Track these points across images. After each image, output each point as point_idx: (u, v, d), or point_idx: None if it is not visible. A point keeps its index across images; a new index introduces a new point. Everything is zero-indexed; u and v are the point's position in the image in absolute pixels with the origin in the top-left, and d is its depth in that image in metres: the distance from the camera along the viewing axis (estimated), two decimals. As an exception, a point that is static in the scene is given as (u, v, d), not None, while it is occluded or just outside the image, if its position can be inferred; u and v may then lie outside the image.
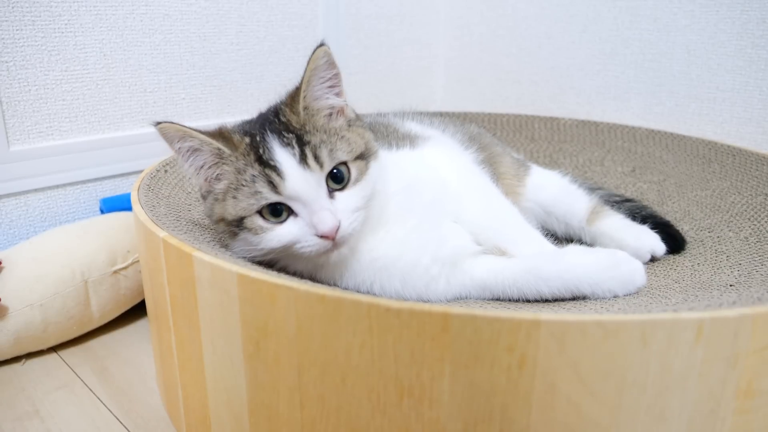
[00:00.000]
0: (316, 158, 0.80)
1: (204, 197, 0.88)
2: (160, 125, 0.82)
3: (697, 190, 1.28)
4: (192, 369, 0.83)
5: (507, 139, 1.62)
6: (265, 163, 0.80)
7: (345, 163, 0.83)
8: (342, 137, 0.84)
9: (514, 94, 1.94)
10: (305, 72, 0.82)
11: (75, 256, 1.19)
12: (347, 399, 0.67)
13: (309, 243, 0.81)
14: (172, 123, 0.82)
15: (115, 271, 1.22)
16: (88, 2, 1.34)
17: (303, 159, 0.80)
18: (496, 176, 1.12)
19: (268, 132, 0.82)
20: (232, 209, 0.82)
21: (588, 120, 1.60)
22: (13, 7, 1.25)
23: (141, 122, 1.48)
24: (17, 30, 1.26)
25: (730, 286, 0.90)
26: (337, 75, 0.85)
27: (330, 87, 0.85)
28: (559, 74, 1.82)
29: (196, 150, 0.83)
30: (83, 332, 1.22)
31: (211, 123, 1.58)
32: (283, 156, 0.80)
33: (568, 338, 0.59)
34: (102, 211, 1.40)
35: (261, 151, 0.81)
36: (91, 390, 1.07)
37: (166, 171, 1.13)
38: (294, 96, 0.85)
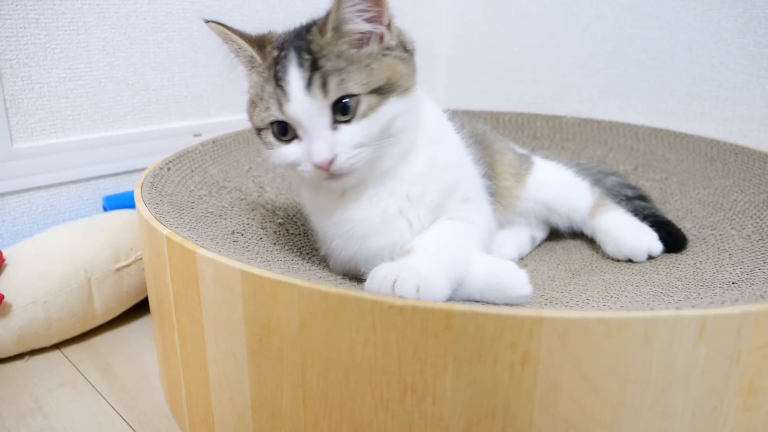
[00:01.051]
0: (324, 85, 0.78)
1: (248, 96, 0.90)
2: (209, 23, 0.85)
3: (699, 188, 1.28)
4: (195, 366, 0.83)
5: (509, 138, 1.62)
6: (278, 80, 0.80)
7: (356, 96, 0.79)
8: (365, 66, 0.80)
9: (516, 92, 1.94)
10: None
11: (78, 253, 1.19)
12: (350, 396, 0.67)
13: (305, 168, 0.82)
14: (218, 24, 0.85)
15: (118, 269, 1.23)
16: (91, 0, 1.34)
17: (309, 84, 0.78)
18: (493, 176, 1.11)
19: (291, 49, 0.81)
20: (255, 117, 0.85)
21: (590, 118, 1.60)
22: (16, 5, 1.25)
23: (144, 120, 1.49)
24: (21, 28, 1.27)
25: (733, 283, 0.90)
26: (374, 1, 0.81)
27: (362, 11, 0.81)
28: (561, 72, 1.81)
29: (235, 52, 0.86)
30: (86, 329, 1.23)
31: (214, 121, 1.59)
32: (294, 77, 0.79)
33: (571, 335, 0.59)
34: (105, 209, 1.40)
35: (278, 67, 0.81)
36: (94, 387, 1.07)
37: (169, 169, 1.13)
38: (327, 14, 0.81)
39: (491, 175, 1.10)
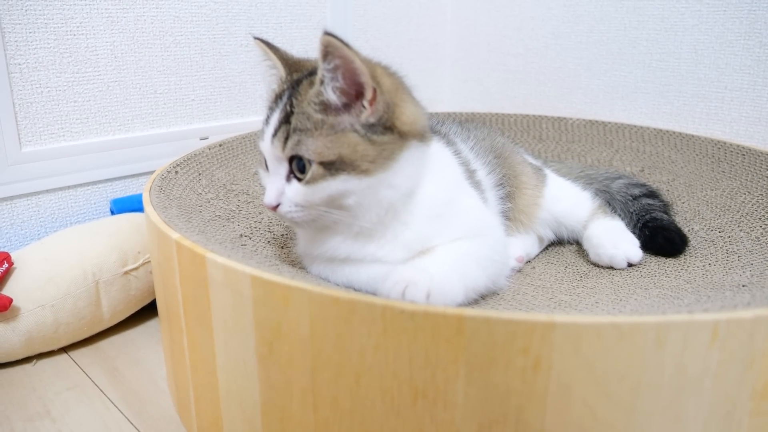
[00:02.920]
0: (285, 140, 0.81)
1: None
2: (254, 41, 0.91)
3: (706, 190, 1.28)
4: (204, 370, 0.83)
5: (515, 140, 1.62)
6: (268, 114, 0.86)
7: (309, 160, 0.80)
8: (325, 136, 0.79)
9: (522, 94, 1.94)
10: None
11: (86, 256, 1.19)
12: (361, 401, 0.67)
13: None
14: (262, 41, 0.91)
15: (126, 272, 1.23)
16: (99, 5, 1.35)
17: (275, 134, 0.82)
18: (517, 188, 1.13)
19: (287, 91, 0.85)
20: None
21: (596, 120, 1.59)
22: (26, 11, 1.26)
23: (151, 124, 1.49)
24: (30, 33, 1.27)
25: (743, 286, 0.89)
26: (341, 71, 0.78)
27: (332, 80, 0.79)
28: (566, 74, 1.81)
29: (271, 68, 0.92)
30: (94, 333, 1.23)
31: (221, 124, 1.59)
32: (273, 120, 0.84)
33: (583, 340, 0.59)
34: (112, 212, 1.41)
35: (273, 105, 0.86)
36: (101, 390, 1.07)
37: (176, 172, 1.13)
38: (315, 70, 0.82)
39: (512, 191, 1.11)
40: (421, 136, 0.87)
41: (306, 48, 1.71)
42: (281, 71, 0.89)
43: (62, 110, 1.35)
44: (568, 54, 1.80)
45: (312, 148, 0.79)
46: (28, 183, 1.33)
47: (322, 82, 0.79)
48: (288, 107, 0.82)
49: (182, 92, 1.52)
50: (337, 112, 0.80)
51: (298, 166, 0.81)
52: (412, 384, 0.64)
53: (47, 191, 1.37)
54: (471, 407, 0.63)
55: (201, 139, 1.56)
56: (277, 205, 0.83)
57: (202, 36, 1.52)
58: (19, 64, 1.27)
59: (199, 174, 1.19)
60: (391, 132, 0.82)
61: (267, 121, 0.85)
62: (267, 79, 0.92)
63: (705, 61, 1.53)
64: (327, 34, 0.75)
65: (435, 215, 0.88)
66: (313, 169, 0.80)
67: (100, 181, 1.44)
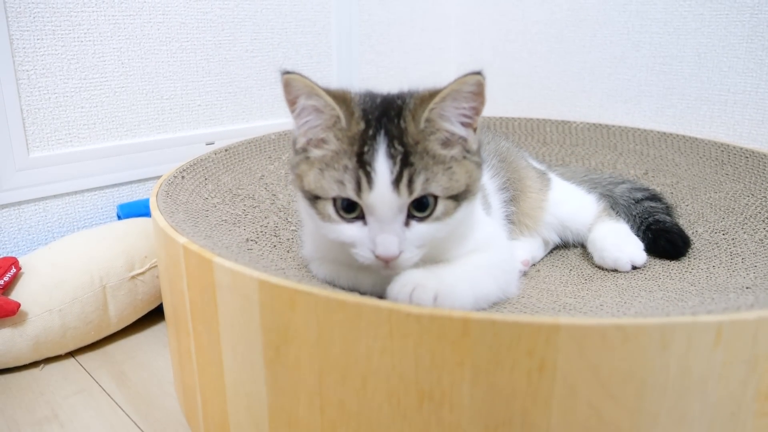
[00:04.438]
0: (410, 183, 0.75)
1: (295, 151, 0.84)
2: (289, 76, 0.77)
3: (710, 193, 1.28)
4: (211, 374, 0.84)
5: (519, 143, 1.62)
6: (363, 162, 0.75)
7: (435, 197, 0.77)
8: (448, 168, 0.78)
9: (526, 97, 1.94)
10: (445, 88, 0.76)
11: (93, 261, 1.20)
12: (367, 403, 0.68)
13: (363, 253, 0.78)
14: (302, 76, 0.77)
15: (133, 277, 1.24)
16: (106, 12, 1.36)
17: (398, 180, 0.75)
18: (521, 192, 1.13)
19: (383, 131, 0.77)
20: (313, 181, 0.79)
21: (599, 123, 1.60)
22: (34, 18, 1.27)
23: (158, 129, 1.50)
24: (38, 39, 1.28)
25: (747, 288, 0.90)
26: (475, 108, 0.78)
27: (462, 115, 0.78)
28: (570, 78, 1.82)
29: (317, 110, 0.79)
30: (101, 337, 1.23)
31: (227, 129, 1.60)
32: (382, 167, 0.75)
33: (588, 342, 0.59)
34: (119, 217, 1.42)
35: (366, 148, 0.76)
36: (109, 395, 1.08)
37: (183, 177, 1.14)
38: (423, 102, 0.77)
39: (517, 195, 1.12)
40: None
41: (311, 53, 1.72)
42: (337, 111, 0.78)
43: (70, 116, 1.36)
44: (572, 58, 1.80)
45: (443, 183, 0.77)
46: (35, 188, 1.34)
47: (446, 117, 0.78)
48: (398, 147, 0.76)
49: (188, 98, 1.53)
50: (451, 143, 0.79)
51: (418, 205, 0.77)
52: (419, 386, 0.64)
53: (55, 196, 1.38)
54: (477, 409, 0.63)
55: (207, 144, 1.57)
56: (395, 257, 0.77)
57: (208, 42, 1.53)
58: (27, 71, 1.28)
59: (206, 179, 1.20)
60: (479, 150, 0.84)
61: (366, 168, 0.75)
62: (305, 119, 0.81)
63: (708, 64, 1.54)
64: (479, 73, 0.74)
65: (479, 248, 0.89)
66: (444, 204, 0.78)
67: (107, 186, 1.45)
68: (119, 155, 1.44)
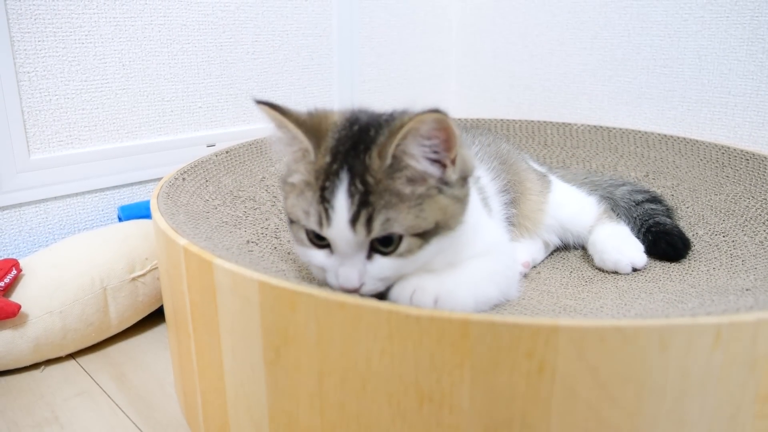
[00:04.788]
0: (368, 222, 0.74)
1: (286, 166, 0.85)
2: (261, 106, 0.78)
3: (710, 195, 1.28)
4: (211, 376, 0.84)
5: (520, 146, 1.63)
6: (324, 198, 0.75)
7: (399, 234, 0.76)
8: (415, 206, 0.75)
9: (527, 100, 1.94)
10: (404, 125, 0.72)
11: (94, 263, 1.20)
12: (367, 405, 0.68)
13: (331, 280, 0.79)
14: (272, 107, 0.77)
15: (134, 278, 1.24)
16: (107, 13, 1.36)
17: (354, 219, 0.74)
18: (522, 194, 1.13)
19: (345, 168, 0.75)
20: (289, 206, 0.81)
21: (600, 125, 1.60)
22: (35, 19, 1.27)
23: (159, 131, 1.50)
24: (39, 41, 1.28)
25: (747, 290, 0.90)
26: (444, 143, 0.75)
27: (429, 152, 0.75)
28: (571, 80, 1.82)
29: (284, 142, 0.80)
30: (101, 339, 1.23)
31: (228, 131, 1.60)
32: (340, 204, 0.74)
33: (587, 344, 0.59)
34: (120, 219, 1.42)
35: (327, 183, 0.75)
36: (109, 396, 1.08)
37: (184, 179, 1.14)
38: (390, 137, 0.74)
39: (517, 197, 1.12)
40: None
41: (312, 55, 1.72)
42: (306, 143, 0.78)
43: (70, 118, 1.36)
44: (573, 60, 1.80)
45: (405, 223, 0.75)
46: (36, 190, 1.34)
47: (412, 155, 0.75)
48: (358, 185, 0.74)
49: (189, 99, 1.53)
50: (424, 180, 0.76)
51: (382, 241, 0.76)
52: (418, 388, 0.64)
53: (55, 198, 1.38)
54: (476, 411, 0.63)
55: (208, 146, 1.57)
56: (356, 289, 0.77)
57: (209, 44, 1.53)
58: (28, 72, 1.29)
59: (206, 181, 1.20)
60: (464, 180, 0.81)
61: (325, 204, 0.75)
62: (276, 147, 0.82)
63: (709, 67, 1.54)
64: (437, 111, 0.71)
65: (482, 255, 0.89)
66: (408, 242, 0.76)
67: (107, 188, 1.45)
68: (120, 157, 1.44)
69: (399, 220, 0.74)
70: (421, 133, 0.73)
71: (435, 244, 0.78)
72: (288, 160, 0.83)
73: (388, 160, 0.75)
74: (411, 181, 0.75)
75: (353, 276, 0.76)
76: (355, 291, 0.77)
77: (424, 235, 0.76)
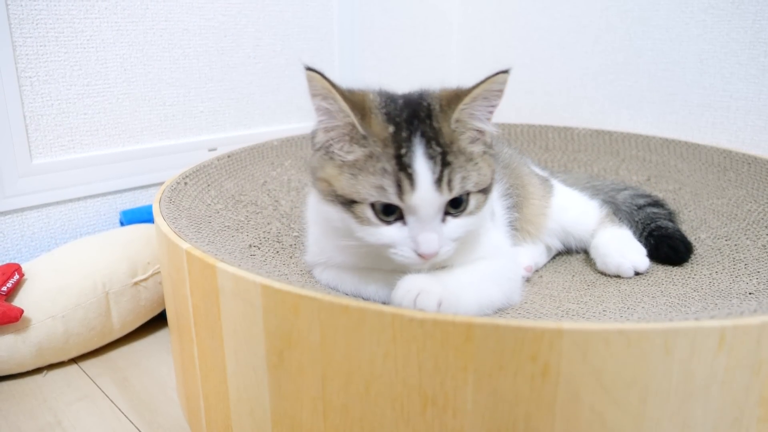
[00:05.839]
0: (449, 182, 0.76)
1: (315, 146, 0.84)
2: (309, 73, 0.76)
3: (713, 199, 1.28)
4: (214, 379, 0.84)
5: (521, 150, 1.62)
6: (403, 165, 0.76)
7: (468, 192, 0.80)
8: (476, 164, 0.80)
9: (528, 104, 1.94)
10: (477, 87, 0.78)
11: (96, 267, 1.21)
12: (371, 408, 0.68)
13: (404, 253, 0.79)
14: (322, 76, 0.76)
15: (136, 283, 1.24)
16: (109, 18, 1.37)
17: (439, 180, 0.76)
18: (524, 198, 1.13)
19: (418, 134, 0.77)
20: (347, 186, 0.79)
21: (602, 129, 1.60)
22: (36, 24, 1.27)
23: (160, 135, 1.50)
24: (41, 46, 1.29)
25: (750, 294, 0.90)
26: (499, 99, 0.80)
27: (489, 112, 0.81)
28: (572, 84, 1.82)
29: (330, 113, 0.79)
30: (104, 343, 1.24)
31: (229, 135, 1.60)
32: (423, 168, 0.76)
33: (591, 347, 0.59)
34: (122, 223, 1.42)
35: (403, 150, 0.76)
36: (111, 401, 1.08)
37: (185, 183, 1.14)
38: (452, 102, 0.79)
39: (519, 201, 1.12)
40: None
41: (313, 59, 1.73)
42: (351, 118, 0.77)
43: (72, 122, 1.36)
44: (574, 64, 1.81)
45: (475, 180, 0.79)
46: (38, 195, 1.34)
47: (476, 116, 0.80)
48: (435, 147, 0.77)
49: (191, 104, 1.54)
50: (480, 139, 0.82)
51: (453, 202, 0.79)
52: (422, 391, 0.64)
53: (57, 203, 1.38)
54: (480, 414, 0.63)
55: (209, 151, 1.57)
56: (435, 253, 0.78)
57: (211, 48, 1.54)
58: (30, 77, 1.29)
59: (208, 185, 1.20)
60: (492, 147, 0.86)
61: (407, 170, 0.75)
62: (321, 118, 0.80)
63: (710, 71, 1.54)
64: (507, 72, 0.78)
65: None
66: (476, 198, 0.80)
67: (109, 193, 1.45)
68: (122, 162, 1.44)
69: (470, 178, 0.78)
70: (493, 93, 0.79)
71: (489, 201, 0.84)
72: (326, 138, 0.81)
73: (453, 124, 0.79)
74: (472, 140, 0.81)
75: (434, 240, 0.77)
76: (432, 256, 0.78)
77: (484, 191, 0.82)
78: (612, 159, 1.54)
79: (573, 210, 1.19)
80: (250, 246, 1.03)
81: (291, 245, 1.11)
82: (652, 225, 1.15)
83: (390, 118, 0.79)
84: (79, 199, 1.41)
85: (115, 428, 1.01)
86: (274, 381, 0.74)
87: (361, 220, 0.79)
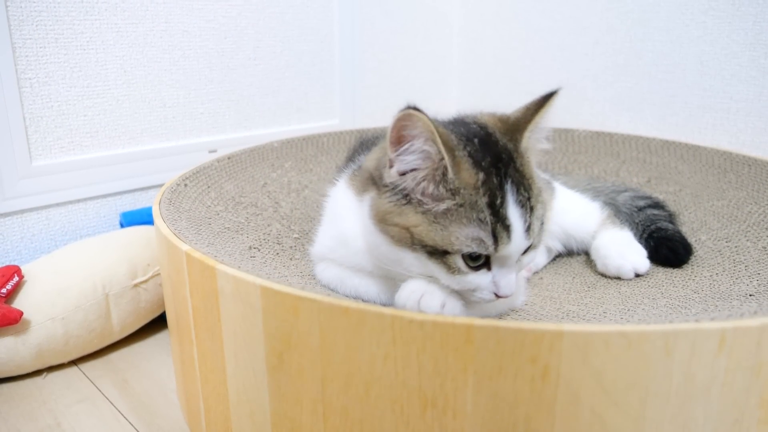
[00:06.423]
0: (534, 228, 0.76)
1: (382, 185, 0.79)
2: (413, 113, 0.70)
3: (713, 200, 1.28)
4: (214, 381, 0.84)
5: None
6: (499, 215, 0.73)
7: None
8: (543, 201, 0.79)
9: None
10: (538, 110, 0.78)
11: (96, 269, 1.21)
12: (370, 410, 0.68)
13: (484, 296, 0.78)
14: (427, 117, 0.71)
15: (136, 285, 1.24)
16: (109, 20, 1.37)
17: (528, 228, 0.75)
18: None
19: (507, 179, 0.75)
20: (437, 237, 0.74)
21: (602, 131, 1.60)
22: (36, 26, 1.28)
23: (160, 137, 1.50)
24: (41, 48, 1.29)
25: (750, 295, 0.89)
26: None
27: (545, 138, 0.81)
28: (572, 86, 1.82)
29: (428, 157, 0.74)
30: (104, 345, 1.24)
31: (229, 137, 1.61)
32: (516, 216, 0.74)
33: (591, 349, 0.59)
34: (122, 225, 1.42)
35: (497, 200, 0.73)
36: (111, 403, 1.08)
37: (186, 185, 1.14)
38: (519, 130, 0.78)
39: None
40: None
41: (313, 60, 1.73)
42: (446, 160, 0.73)
43: (72, 124, 1.37)
44: (575, 66, 1.81)
45: (544, 216, 0.79)
46: (38, 197, 1.34)
47: (540, 141, 0.81)
48: (524, 193, 0.75)
49: (191, 106, 1.54)
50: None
51: None
52: (422, 393, 0.64)
53: (57, 205, 1.38)
54: (480, 416, 0.63)
55: (210, 152, 1.57)
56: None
57: (211, 50, 1.54)
58: (30, 79, 1.29)
59: (208, 187, 1.20)
60: None
61: (503, 221, 0.73)
62: (411, 161, 0.74)
63: (710, 72, 1.54)
64: (556, 92, 0.80)
65: None
66: (541, 229, 0.80)
67: (109, 195, 1.45)
68: (122, 163, 1.44)
69: (545, 217, 0.79)
70: (546, 120, 0.80)
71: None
72: (413, 184, 0.76)
73: (525, 154, 0.78)
74: (535, 174, 0.80)
75: (512, 282, 0.77)
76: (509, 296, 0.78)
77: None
78: (612, 161, 1.54)
79: (574, 212, 1.19)
80: (250, 248, 1.03)
81: (291, 247, 1.11)
82: (652, 227, 1.15)
83: (476, 162, 0.75)
84: (79, 200, 1.41)
85: (115, 430, 1.01)
86: (273, 383, 0.74)
87: (451, 269, 0.76)
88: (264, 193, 1.29)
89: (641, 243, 1.14)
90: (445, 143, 0.72)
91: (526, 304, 0.96)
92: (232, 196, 1.22)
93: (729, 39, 1.49)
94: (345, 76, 1.80)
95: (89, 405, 1.08)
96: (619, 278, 1.08)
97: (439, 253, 0.75)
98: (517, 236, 0.74)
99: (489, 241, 0.73)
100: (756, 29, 1.45)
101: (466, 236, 0.73)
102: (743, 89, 1.49)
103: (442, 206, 0.74)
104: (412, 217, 0.76)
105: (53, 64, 1.31)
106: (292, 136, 1.50)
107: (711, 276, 1.03)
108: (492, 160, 0.75)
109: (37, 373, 1.17)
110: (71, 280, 1.18)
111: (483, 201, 0.73)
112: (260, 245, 1.06)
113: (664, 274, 1.08)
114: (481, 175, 0.74)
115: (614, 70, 1.72)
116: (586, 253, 1.19)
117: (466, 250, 0.74)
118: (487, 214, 0.73)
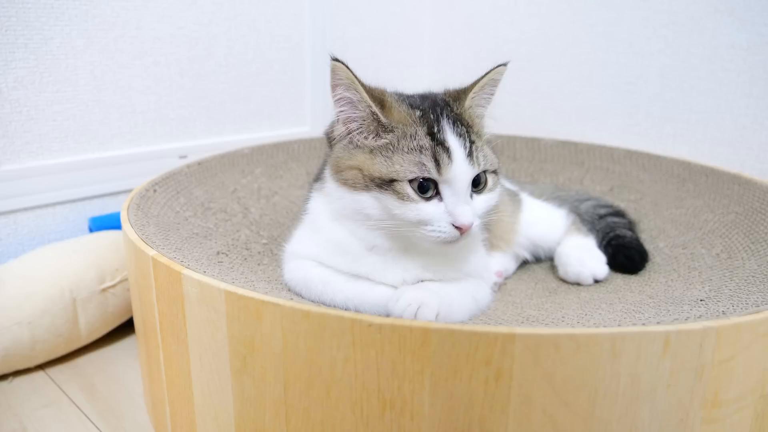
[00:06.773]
0: (476, 158, 0.85)
1: (334, 138, 0.90)
2: (335, 63, 0.83)
3: (672, 209, 1.32)
4: (180, 385, 0.85)
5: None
6: (438, 141, 0.83)
7: (485, 171, 0.87)
8: (489, 145, 0.91)
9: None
10: (482, 78, 0.91)
11: (64, 274, 1.20)
12: (331, 412, 0.69)
13: (441, 229, 0.83)
14: (348, 68, 0.83)
15: (104, 289, 1.24)
16: (79, 26, 1.37)
17: (470, 154, 0.84)
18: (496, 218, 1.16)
19: (443, 115, 0.86)
20: (384, 168, 0.83)
21: (568, 140, 1.63)
22: (6, 31, 1.27)
23: (131, 142, 1.50)
24: (10, 52, 1.29)
25: (701, 300, 0.93)
26: (494, 94, 0.94)
27: (488, 102, 0.94)
28: (539, 96, 1.86)
29: (351, 103, 0.85)
30: (71, 350, 1.23)
31: (200, 143, 1.61)
32: (455, 143, 0.83)
33: (542, 351, 0.61)
34: (91, 230, 1.42)
35: (435, 129, 0.84)
36: (78, 407, 1.08)
37: (155, 191, 1.15)
38: (461, 93, 0.91)
39: (491, 221, 1.14)
40: None
41: (284, 68, 1.74)
42: (373, 107, 0.84)
43: (41, 129, 1.36)
44: (541, 76, 1.84)
45: (490, 159, 0.89)
46: (6, 201, 1.33)
47: (481, 106, 0.93)
48: (460, 126, 0.86)
49: (161, 112, 1.54)
50: (482, 126, 0.93)
51: (474, 183, 0.86)
52: (381, 395, 0.66)
53: (26, 209, 1.38)
54: (437, 417, 0.65)
55: (180, 158, 1.58)
56: (470, 226, 0.84)
57: (182, 56, 1.54)
58: (-1, 84, 1.29)
59: (178, 192, 1.21)
60: None
61: (443, 145, 0.83)
62: (341, 108, 0.86)
63: (671, 85, 1.58)
64: (504, 64, 0.92)
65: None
66: (492, 178, 0.90)
67: (78, 200, 1.45)
68: (91, 168, 1.44)
69: (488, 157, 0.88)
70: (494, 80, 0.92)
71: (499, 186, 0.92)
72: (346, 129, 0.87)
73: (467, 110, 0.90)
74: (480, 126, 0.92)
75: (469, 212, 0.84)
76: (468, 228, 0.83)
77: (495, 173, 0.91)
78: (577, 169, 1.58)
79: (541, 224, 1.22)
80: (218, 253, 1.04)
81: (259, 252, 1.12)
82: (611, 234, 1.19)
83: (413, 106, 0.87)
84: (47, 205, 1.40)
85: (81, 434, 1.01)
86: (237, 386, 0.75)
87: (401, 196, 0.83)
88: (234, 199, 1.30)
89: (602, 250, 1.17)
90: (369, 91, 0.84)
91: (488, 308, 0.99)
92: (202, 202, 1.23)
93: (688, 53, 1.54)
94: (316, 83, 1.82)
95: (55, 409, 1.08)
96: (579, 284, 1.11)
97: (388, 184, 0.84)
98: (459, 159, 0.83)
99: (430, 164, 0.82)
100: (714, 44, 1.49)
101: (408, 162, 0.83)
102: (702, 101, 1.54)
103: (383, 141, 0.85)
104: (359, 157, 0.86)
105: (23, 69, 1.31)
106: (263, 143, 1.51)
107: (666, 282, 1.06)
108: (431, 105, 0.88)
109: (3, 377, 1.16)
110: (39, 285, 1.18)
111: (422, 131, 0.84)
112: (228, 251, 1.07)
113: (622, 279, 1.11)
114: (418, 112, 0.86)
115: (579, 81, 1.76)
116: (552, 260, 1.22)
117: (411, 175, 0.82)
118: (426, 141, 0.83)
